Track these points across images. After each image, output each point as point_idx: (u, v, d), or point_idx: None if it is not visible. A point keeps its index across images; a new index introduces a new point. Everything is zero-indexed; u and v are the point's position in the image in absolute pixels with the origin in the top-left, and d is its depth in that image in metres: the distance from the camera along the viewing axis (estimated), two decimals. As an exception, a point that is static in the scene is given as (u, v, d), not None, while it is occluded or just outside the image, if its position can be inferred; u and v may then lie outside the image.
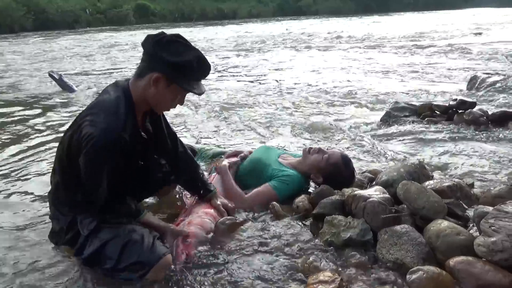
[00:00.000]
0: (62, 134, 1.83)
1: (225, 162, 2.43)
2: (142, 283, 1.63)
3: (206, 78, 1.80)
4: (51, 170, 1.90)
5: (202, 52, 1.73)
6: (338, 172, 2.30)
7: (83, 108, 1.81)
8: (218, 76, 7.70)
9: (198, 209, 2.02)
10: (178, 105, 1.83)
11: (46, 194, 2.53)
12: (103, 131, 1.59)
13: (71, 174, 1.73)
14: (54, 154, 1.88)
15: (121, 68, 9.02)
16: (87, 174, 1.66)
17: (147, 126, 1.89)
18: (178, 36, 1.72)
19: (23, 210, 2.36)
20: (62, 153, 1.74)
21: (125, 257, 1.66)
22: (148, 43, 1.69)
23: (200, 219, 1.93)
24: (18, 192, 2.64)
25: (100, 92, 1.81)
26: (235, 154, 2.65)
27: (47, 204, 2.28)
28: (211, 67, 1.79)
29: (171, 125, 2.09)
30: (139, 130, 1.80)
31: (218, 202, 2.08)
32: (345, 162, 2.35)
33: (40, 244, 1.96)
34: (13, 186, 2.76)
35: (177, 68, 1.67)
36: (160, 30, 1.80)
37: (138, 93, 1.72)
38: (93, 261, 1.72)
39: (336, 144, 3.47)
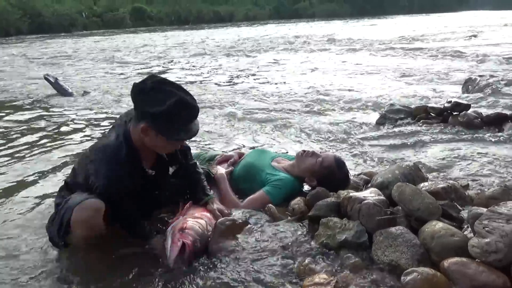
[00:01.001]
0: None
1: (222, 170, 2.43)
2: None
3: (196, 118, 1.79)
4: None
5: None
6: (332, 175, 2.29)
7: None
8: (212, 78, 7.70)
9: (193, 211, 2.02)
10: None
11: (41, 194, 2.55)
12: (106, 183, 1.72)
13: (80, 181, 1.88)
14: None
15: (119, 71, 9.02)
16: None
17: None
18: (161, 82, 1.71)
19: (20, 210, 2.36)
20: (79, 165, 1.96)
21: (59, 216, 1.74)
22: (133, 92, 1.71)
23: (195, 219, 1.93)
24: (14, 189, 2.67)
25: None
26: (225, 159, 2.61)
27: (43, 204, 2.30)
28: (198, 109, 1.78)
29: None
30: (145, 171, 1.87)
31: (214, 207, 2.08)
32: (339, 165, 2.34)
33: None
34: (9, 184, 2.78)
35: (159, 118, 1.67)
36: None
37: (137, 139, 1.78)
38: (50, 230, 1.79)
39: (331, 147, 3.47)
